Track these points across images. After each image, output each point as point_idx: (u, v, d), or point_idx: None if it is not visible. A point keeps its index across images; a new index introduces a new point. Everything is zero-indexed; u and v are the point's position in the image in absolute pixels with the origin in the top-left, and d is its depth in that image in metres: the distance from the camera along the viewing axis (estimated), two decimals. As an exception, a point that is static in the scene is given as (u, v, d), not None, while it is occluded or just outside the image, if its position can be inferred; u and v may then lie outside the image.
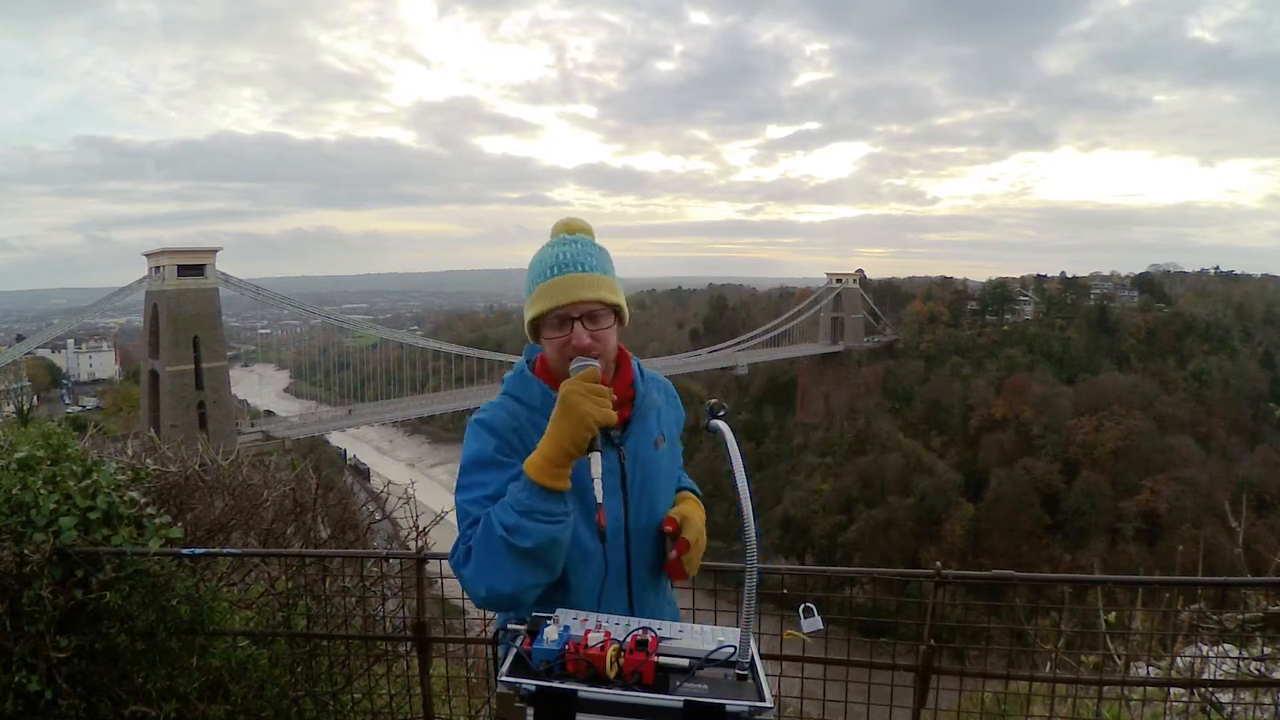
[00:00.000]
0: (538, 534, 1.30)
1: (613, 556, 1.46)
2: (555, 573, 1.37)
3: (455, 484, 1.43)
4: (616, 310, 1.47)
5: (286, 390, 78.57)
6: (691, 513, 1.52)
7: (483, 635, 2.91)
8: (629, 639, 1.23)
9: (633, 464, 1.49)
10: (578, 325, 1.41)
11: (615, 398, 1.40)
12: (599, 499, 1.34)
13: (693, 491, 1.64)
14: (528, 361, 1.56)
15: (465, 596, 2.63)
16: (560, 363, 1.44)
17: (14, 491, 2.59)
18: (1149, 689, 2.75)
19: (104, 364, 72.42)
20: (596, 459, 1.35)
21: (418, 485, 4.05)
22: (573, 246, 1.46)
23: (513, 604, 1.36)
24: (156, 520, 2.75)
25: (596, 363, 1.40)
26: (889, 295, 68.46)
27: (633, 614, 1.46)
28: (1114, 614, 3.05)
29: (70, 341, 67.97)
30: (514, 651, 1.24)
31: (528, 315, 1.47)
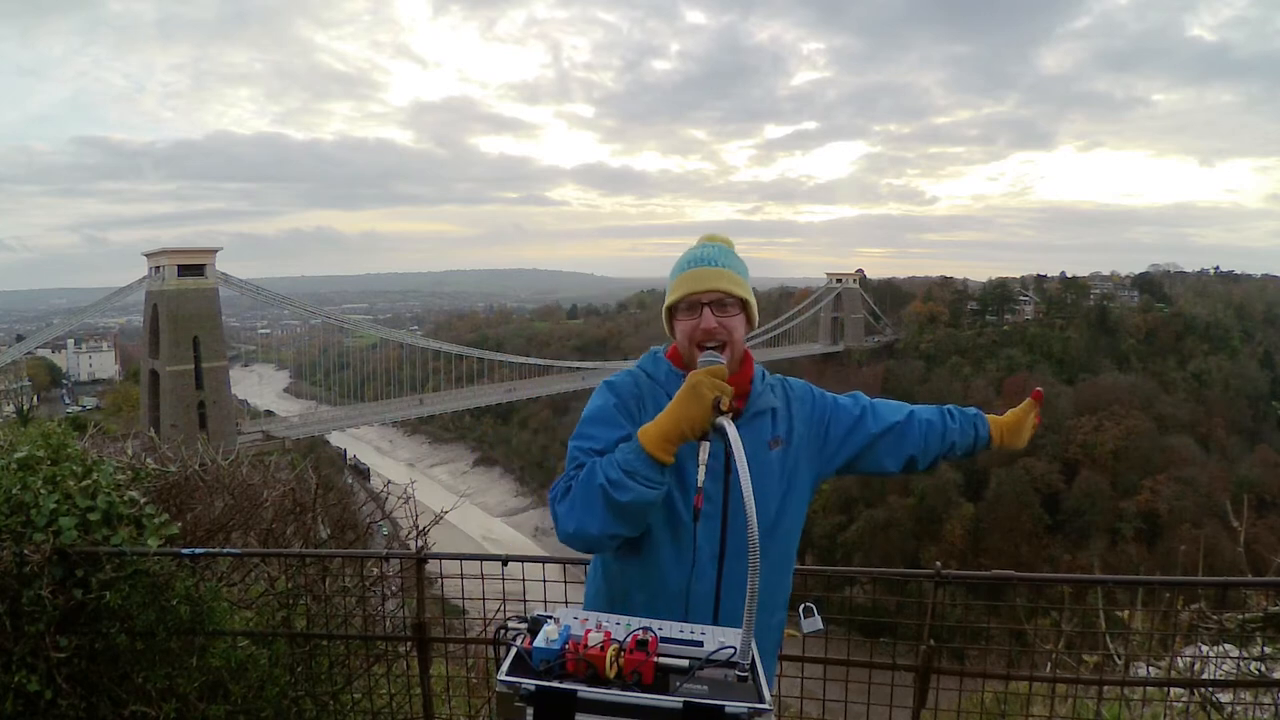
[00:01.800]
0: (635, 493, 1.40)
1: (704, 542, 1.53)
2: (636, 531, 1.48)
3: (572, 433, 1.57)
4: (745, 307, 1.60)
5: (286, 390, 78.54)
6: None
7: (483, 635, 2.91)
8: (629, 639, 1.23)
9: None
10: (706, 310, 1.55)
11: (735, 395, 1.49)
12: (700, 483, 1.43)
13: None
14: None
15: (465, 596, 2.66)
16: (688, 348, 1.58)
17: (14, 491, 2.59)
18: (1149, 689, 2.75)
19: (104, 364, 72.43)
20: (705, 446, 1.44)
21: (417, 485, 4.05)
22: (710, 249, 1.61)
23: (594, 547, 1.49)
24: (156, 520, 2.75)
25: (723, 359, 1.51)
26: (889, 295, 68.50)
27: (718, 602, 1.53)
28: (1122, 613, 3.05)
29: (70, 341, 67.99)
30: (514, 651, 1.24)
31: (666, 304, 1.62)
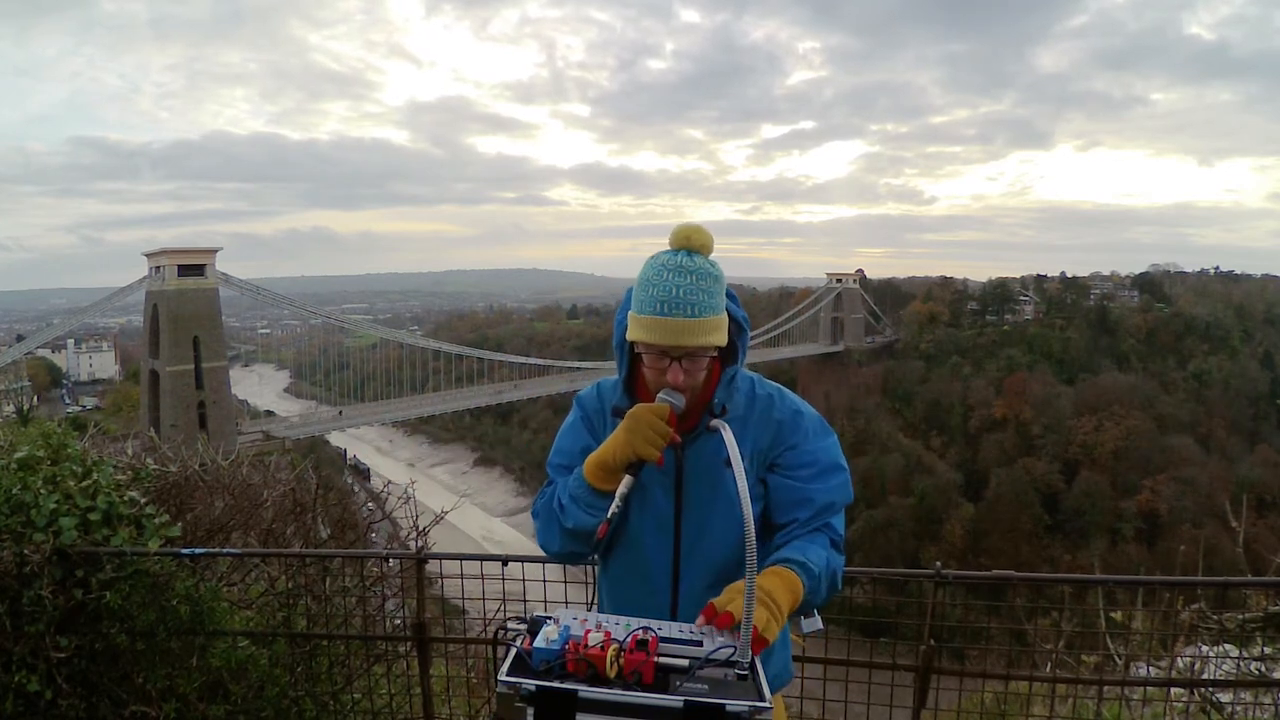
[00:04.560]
0: (576, 519, 1.51)
1: (655, 557, 1.54)
2: (593, 549, 1.57)
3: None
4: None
5: (286, 390, 78.50)
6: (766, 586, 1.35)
7: (483, 635, 2.91)
8: (629, 639, 1.23)
9: (691, 472, 1.52)
10: (675, 365, 1.43)
11: (677, 439, 1.46)
12: (609, 513, 1.46)
13: (795, 563, 1.42)
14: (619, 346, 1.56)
15: (465, 596, 2.66)
16: (654, 385, 1.48)
17: (14, 491, 2.59)
18: (1149, 689, 2.75)
19: (104, 364, 72.40)
20: (627, 480, 1.46)
21: (418, 485, 4.05)
22: (688, 282, 1.41)
23: (561, 560, 1.68)
24: (156, 520, 2.75)
25: (677, 402, 1.45)
26: (889, 295, 68.53)
27: (675, 617, 1.51)
28: (1118, 614, 3.05)
29: (70, 341, 67.92)
30: (514, 651, 1.24)
31: (630, 334, 1.46)
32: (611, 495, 1.46)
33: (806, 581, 1.40)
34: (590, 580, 1.79)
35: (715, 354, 1.49)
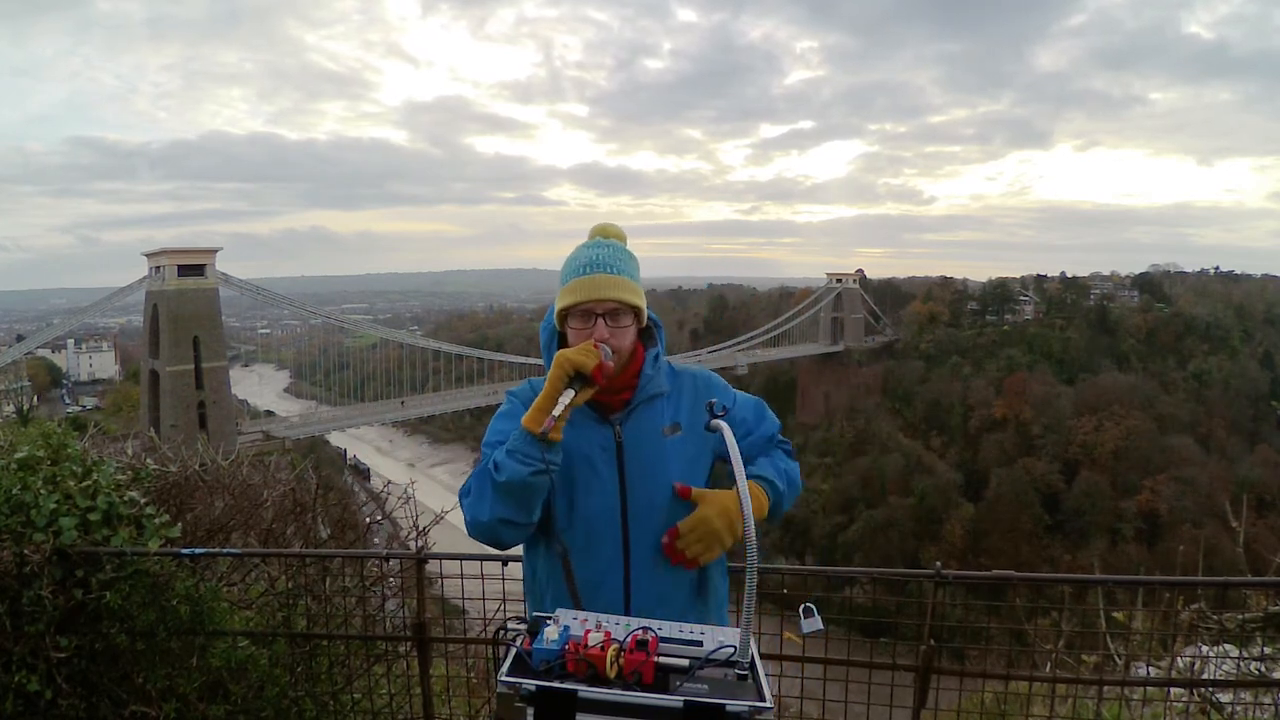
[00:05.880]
0: (511, 470, 1.45)
1: (606, 535, 1.54)
2: (530, 515, 1.51)
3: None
4: (636, 312, 1.59)
5: (286, 390, 78.54)
6: (718, 496, 1.52)
7: (483, 635, 2.91)
8: (629, 639, 1.23)
9: (631, 445, 1.57)
10: (600, 321, 1.55)
11: (609, 364, 1.51)
12: (554, 414, 1.43)
13: (764, 480, 1.60)
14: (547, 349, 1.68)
15: (465, 596, 2.66)
16: None
17: (14, 491, 2.59)
18: (1149, 689, 2.75)
19: (104, 364, 72.44)
20: (568, 393, 1.46)
21: (418, 485, 4.05)
22: (606, 250, 1.60)
23: (491, 535, 1.53)
24: (156, 520, 2.75)
25: (605, 350, 1.52)
26: (889, 295, 68.53)
27: (628, 593, 1.53)
28: (1119, 614, 3.05)
29: (70, 341, 67.95)
30: (514, 651, 1.24)
31: (557, 305, 1.61)
32: (548, 444, 1.45)
33: (771, 494, 1.59)
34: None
35: (635, 325, 1.60)
